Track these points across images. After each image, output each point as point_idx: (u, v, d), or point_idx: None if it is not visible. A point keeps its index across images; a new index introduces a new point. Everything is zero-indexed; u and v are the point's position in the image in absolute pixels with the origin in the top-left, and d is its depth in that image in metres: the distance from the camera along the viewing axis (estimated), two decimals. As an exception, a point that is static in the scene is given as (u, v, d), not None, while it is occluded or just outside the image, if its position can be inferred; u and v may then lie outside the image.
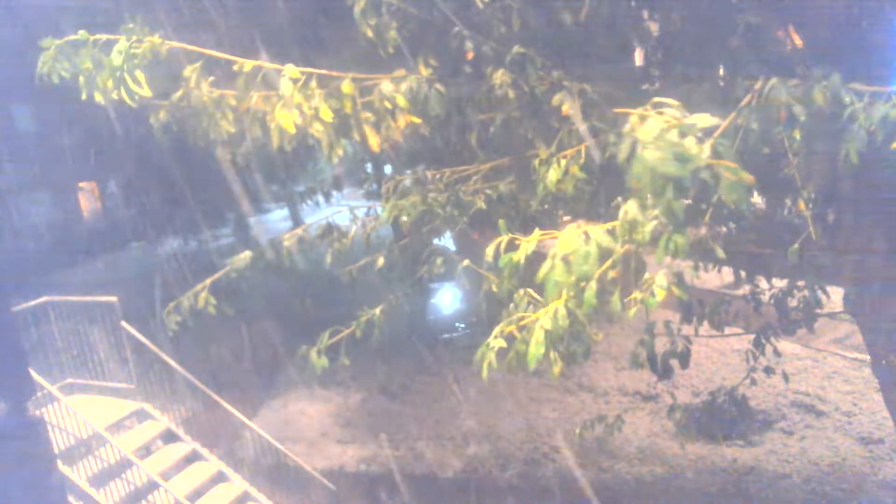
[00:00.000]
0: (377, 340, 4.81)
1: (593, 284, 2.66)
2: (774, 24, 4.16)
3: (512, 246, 2.88)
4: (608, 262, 2.72)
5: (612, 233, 2.63)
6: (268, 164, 14.44)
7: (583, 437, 6.38)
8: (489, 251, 2.95)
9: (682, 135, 2.37)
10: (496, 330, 2.91)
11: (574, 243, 2.54)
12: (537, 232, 2.80)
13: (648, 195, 2.46)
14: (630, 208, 2.57)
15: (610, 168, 3.97)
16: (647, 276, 2.81)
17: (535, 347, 2.68)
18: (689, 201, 4.22)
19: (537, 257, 2.75)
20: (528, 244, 2.78)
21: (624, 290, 2.83)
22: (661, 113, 2.45)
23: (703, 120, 2.42)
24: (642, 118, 2.48)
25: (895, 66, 3.53)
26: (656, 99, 2.52)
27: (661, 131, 2.38)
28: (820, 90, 2.86)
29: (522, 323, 2.85)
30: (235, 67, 3.81)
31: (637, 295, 2.74)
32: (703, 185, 2.41)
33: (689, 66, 4.42)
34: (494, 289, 3.75)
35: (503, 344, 2.87)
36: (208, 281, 4.94)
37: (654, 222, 2.53)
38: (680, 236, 2.51)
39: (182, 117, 4.31)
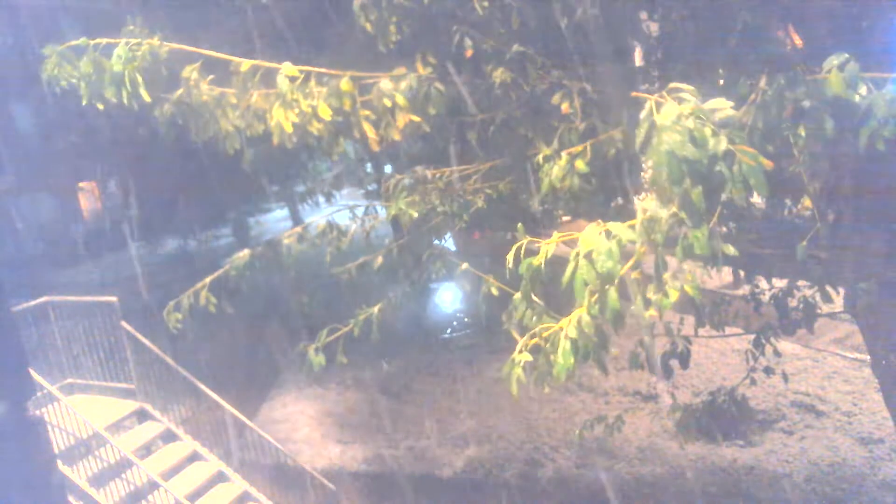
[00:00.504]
0: (375, 339, 4.81)
1: (615, 288, 2.62)
2: (773, 23, 4.15)
3: (529, 250, 2.83)
4: (630, 263, 2.70)
5: (632, 230, 2.60)
6: (268, 164, 14.43)
7: (583, 437, 6.38)
8: (510, 258, 2.87)
9: (700, 119, 2.37)
10: (520, 343, 2.84)
11: (596, 241, 2.51)
12: (556, 235, 2.76)
13: (666, 185, 2.44)
14: (648, 205, 2.56)
15: (610, 167, 3.97)
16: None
17: (564, 358, 2.61)
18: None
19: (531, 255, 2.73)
20: (547, 247, 2.73)
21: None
22: (677, 98, 2.45)
23: (720, 104, 2.42)
24: (659, 104, 2.47)
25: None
26: (673, 85, 2.51)
27: (679, 116, 2.37)
28: (837, 77, 2.83)
29: (546, 334, 2.78)
30: (232, 68, 3.81)
31: (651, 295, 2.71)
32: (719, 177, 2.41)
33: (688, 66, 4.42)
34: (494, 291, 3.75)
35: (529, 358, 2.78)
36: (208, 279, 4.95)
37: (672, 220, 2.52)
38: (699, 232, 2.48)
39: (183, 117, 4.32)
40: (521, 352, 2.80)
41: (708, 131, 2.36)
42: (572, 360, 2.61)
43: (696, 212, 2.44)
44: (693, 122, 2.36)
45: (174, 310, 4.94)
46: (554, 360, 2.65)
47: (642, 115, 2.51)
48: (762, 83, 3.04)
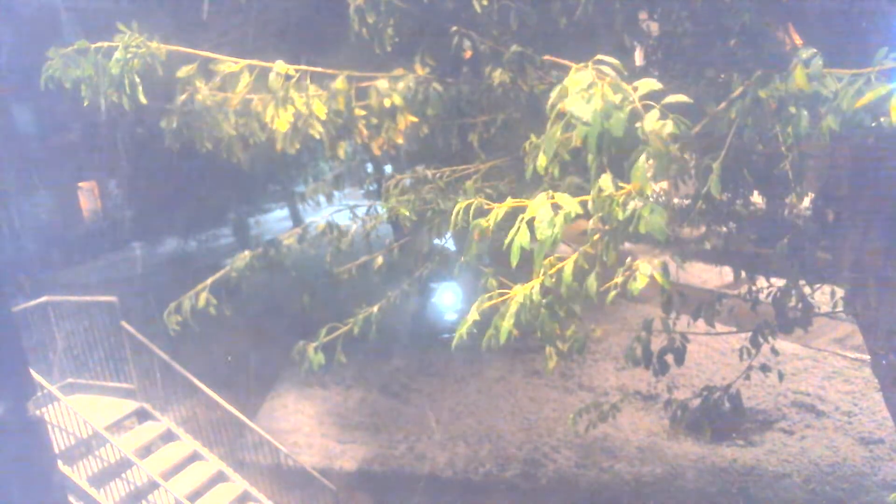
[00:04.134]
0: (374, 337, 4.81)
1: (570, 263, 2.67)
2: (772, 23, 4.16)
3: (482, 212, 2.88)
4: (585, 246, 2.74)
5: (579, 204, 2.61)
6: (268, 165, 14.42)
7: (575, 422, 6.36)
8: (455, 212, 2.95)
9: (616, 91, 2.39)
10: (474, 305, 2.96)
11: (540, 208, 2.53)
12: (509, 200, 2.80)
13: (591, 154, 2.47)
14: (604, 183, 2.57)
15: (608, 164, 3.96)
16: (629, 261, 2.82)
17: (507, 321, 2.74)
18: (687, 201, 4.23)
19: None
20: (498, 210, 2.78)
21: (610, 279, 2.84)
22: (600, 70, 2.47)
23: (649, 84, 2.44)
24: (578, 71, 2.50)
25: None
26: (599, 56, 2.53)
27: (590, 84, 2.39)
28: (801, 72, 2.84)
29: (500, 300, 2.88)
30: (223, 66, 3.81)
31: (619, 279, 2.75)
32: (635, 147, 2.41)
33: (688, 66, 4.42)
34: (492, 283, 3.75)
35: (477, 317, 2.93)
36: (209, 281, 4.93)
37: (633, 203, 2.52)
38: (647, 211, 2.49)
39: (184, 120, 4.33)
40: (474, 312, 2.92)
41: (616, 96, 2.37)
42: (512, 323, 2.73)
43: (642, 185, 2.45)
44: (607, 91, 2.37)
45: (174, 311, 4.92)
46: (500, 324, 2.74)
47: (565, 81, 2.53)
48: (750, 81, 3.05)
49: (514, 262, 2.59)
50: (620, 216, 2.54)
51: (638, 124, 2.40)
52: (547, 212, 2.49)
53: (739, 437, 9.02)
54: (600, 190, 2.57)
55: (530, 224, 2.52)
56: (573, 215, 2.51)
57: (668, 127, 2.36)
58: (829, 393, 9.80)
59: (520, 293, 2.76)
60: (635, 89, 2.45)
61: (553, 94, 2.57)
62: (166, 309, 5.00)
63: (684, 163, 2.59)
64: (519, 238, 2.54)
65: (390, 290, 5.18)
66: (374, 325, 4.82)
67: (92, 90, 3.83)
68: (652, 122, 2.36)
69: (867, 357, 4.78)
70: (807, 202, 4.68)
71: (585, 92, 2.38)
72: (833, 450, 8.60)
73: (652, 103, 2.44)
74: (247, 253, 5.12)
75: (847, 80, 2.82)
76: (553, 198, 2.54)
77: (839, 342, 10.87)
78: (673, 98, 2.44)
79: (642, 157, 2.41)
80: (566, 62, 2.59)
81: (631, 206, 2.52)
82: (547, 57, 2.77)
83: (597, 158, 2.48)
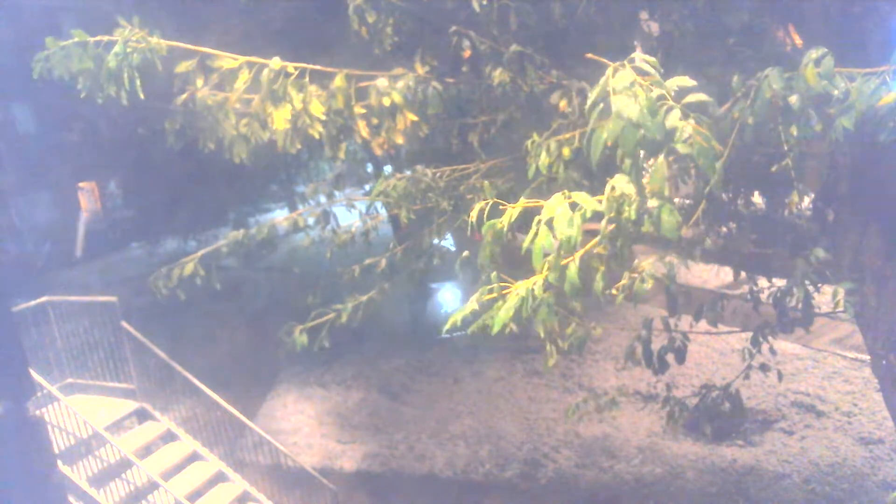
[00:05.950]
0: (358, 325, 4.83)
1: (576, 262, 2.65)
2: (774, 23, 4.15)
3: (497, 212, 2.87)
4: (593, 242, 2.72)
5: (598, 202, 2.60)
6: (268, 164, 14.41)
7: (573, 414, 6.36)
8: (473, 214, 2.93)
9: (657, 88, 2.38)
10: (474, 296, 2.94)
11: (559, 208, 2.52)
12: (522, 200, 2.79)
13: (626, 156, 2.45)
14: (618, 183, 2.56)
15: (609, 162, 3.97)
16: (636, 262, 2.81)
17: (505, 312, 2.71)
18: (688, 201, 4.22)
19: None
20: (512, 211, 2.77)
21: (614, 280, 2.82)
22: (637, 68, 2.46)
23: (681, 81, 2.44)
24: (616, 70, 2.49)
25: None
26: (634, 55, 2.52)
27: (633, 83, 2.39)
28: (811, 71, 2.83)
29: (504, 293, 2.87)
30: (222, 63, 3.80)
31: (626, 281, 2.74)
32: (672, 152, 2.41)
33: (688, 66, 4.41)
34: (493, 280, 3.75)
35: (475, 307, 2.90)
36: (200, 252, 4.89)
37: (649, 203, 2.51)
38: (664, 211, 2.48)
39: (187, 120, 4.33)
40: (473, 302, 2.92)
41: (656, 94, 2.36)
42: (510, 315, 2.69)
43: (661, 186, 2.44)
44: (645, 91, 2.36)
45: (164, 276, 4.86)
46: (496, 315, 2.72)
47: (601, 80, 2.52)
48: (755, 79, 3.04)
49: (538, 263, 2.57)
50: (633, 216, 2.52)
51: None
52: (566, 211, 2.47)
53: (739, 437, 9.02)
54: (613, 189, 2.56)
55: (549, 224, 2.50)
56: (590, 214, 2.50)
57: (676, 115, 2.36)
58: (829, 393, 9.80)
59: (522, 287, 2.74)
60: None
61: (593, 93, 2.55)
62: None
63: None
64: (540, 240, 2.51)
65: (388, 287, 5.19)
66: (360, 311, 4.82)
67: (90, 84, 3.81)
68: (674, 121, 2.35)
69: (867, 357, 4.78)
70: (807, 202, 4.68)
71: (629, 90, 2.37)
72: (833, 450, 8.60)
73: (674, 104, 2.44)
74: (240, 231, 5.11)
75: (861, 79, 2.81)
76: (570, 197, 2.53)
77: (839, 342, 10.87)
78: (693, 97, 2.43)
79: (661, 157, 2.40)
80: (604, 60, 2.56)
81: (650, 203, 2.51)
82: (589, 55, 2.76)
83: (633, 160, 2.45)
